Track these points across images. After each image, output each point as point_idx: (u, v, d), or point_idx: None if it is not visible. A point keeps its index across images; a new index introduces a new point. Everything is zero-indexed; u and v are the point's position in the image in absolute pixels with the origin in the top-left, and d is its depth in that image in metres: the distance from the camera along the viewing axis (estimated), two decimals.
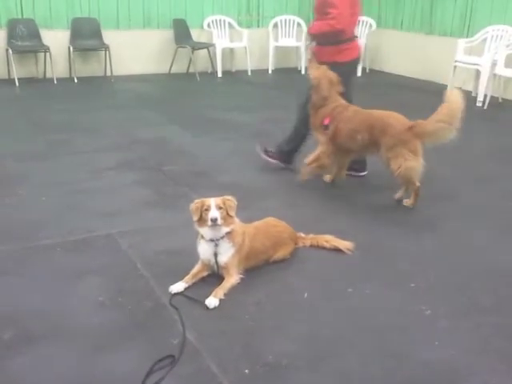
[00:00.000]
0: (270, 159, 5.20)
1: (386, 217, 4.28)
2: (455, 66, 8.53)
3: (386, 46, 10.82)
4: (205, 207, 3.13)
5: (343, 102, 4.68)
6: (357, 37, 5.07)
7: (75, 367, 2.55)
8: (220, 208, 3.12)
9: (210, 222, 3.09)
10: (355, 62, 5.05)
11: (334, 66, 4.69)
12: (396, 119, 4.38)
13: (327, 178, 4.89)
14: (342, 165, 4.81)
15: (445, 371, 2.60)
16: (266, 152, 5.23)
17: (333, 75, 4.64)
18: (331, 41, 4.75)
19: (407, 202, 4.43)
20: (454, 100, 4.15)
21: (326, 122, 4.60)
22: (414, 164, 4.26)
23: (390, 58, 10.79)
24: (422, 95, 8.86)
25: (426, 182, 4.44)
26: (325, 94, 4.61)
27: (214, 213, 3.09)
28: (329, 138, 4.61)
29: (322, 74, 4.65)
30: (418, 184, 4.36)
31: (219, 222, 3.09)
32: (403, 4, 10.40)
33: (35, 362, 2.57)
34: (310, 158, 4.75)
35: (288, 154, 5.16)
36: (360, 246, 3.69)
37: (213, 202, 3.13)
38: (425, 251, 3.74)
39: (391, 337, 2.83)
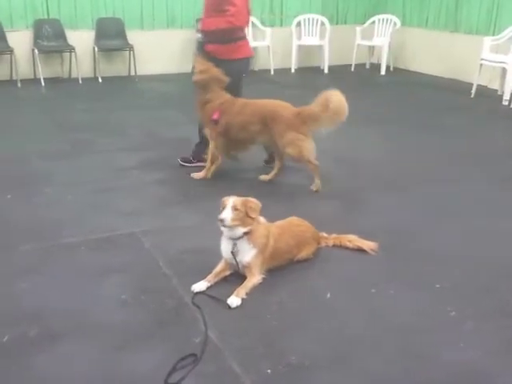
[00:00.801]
0: (193, 164, 5.18)
1: (410, 217, 4.23)
2: (481, 65, 8.39)
3: (410, 44, 10.71)
4: (222, 206, 3.14)
5: (229, 96, 4.78)
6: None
7: (98, 365, 2.57)
8: (236, 209, 3.11)
9: (218, 222, 3.11)
10: (249, 59, 5.13)
11: (228, 63, 4.76)
12: (284, 107, 4.70)
13: (265, 177, 4.92)
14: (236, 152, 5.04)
15: (469, 373, 2.56)
16: (185, 159, 5.24)
17: (218, 72, 4.70)
18: (227, 38, 4.76)
19: (314, 187, 4.65)
20: (336, 93, 4.49)
21: (215, 117, 4.71)
22: (306, 144, 4.59)
23: (414, 57, 10.67)
24: (447, 94, 8.76)
25: (449, 181, 4.39)
26: (210, 90, 4.71)
27: (223, 213, 3.10)
28: (219, 132, 4.75)
29: (207, 71, 4.69)
30: (315, 162, 4.64)
31: (227, 222, 3.09)
32: (428, 1, 10.28)
33: (58, 360, 2.60)
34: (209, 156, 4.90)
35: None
36: (384, 247, 3.65)
37: (230, 202, 3.13)
38: (450, 251, 3.69)
39: (415, 338, 2.79)
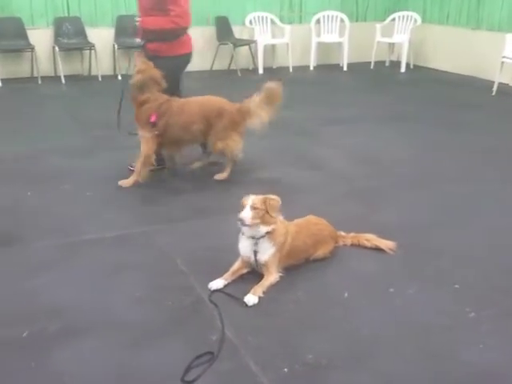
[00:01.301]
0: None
1: (429, 216, 4.19)
2: (503, 62, 8.27)
3: (430, 41, 10.60)
4: (242, 205, 3.13)
5: (166, 97, 4.65)
6: None
7: (114, 362, 2.58)
8: (255, 208, 3.10)
9: (238, 221, 3.09)
10: (190, 54, 5.04)
11: (170, 59, 4.71)
12: (228, 103, 4.75)
13: (195, 165, 5.02)
14: (173, 155, 5.00)
15: (488, 374, 2.53)
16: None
17: (156, 73, 4.59)
18: (170, 37, 4.70)
19: (220, 175, 4.76)
20: (273, 86, 4.66)
21: (153, 119, 4.56)
22: (239, 141, 4.73)
23: (435, 54, 10.56)
24: (468, 92, 8.67)
25: (470, 180, 4.33)
26: (147, 90, 4.58)
27: (243, 213, 3.08)
28: (157, 134, 4.61)
29: (145, 71, 4.59)
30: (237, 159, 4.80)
31: (246, 222, 3.08)
32: None
33: (76, 356, 2.62)
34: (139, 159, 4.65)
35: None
36: (402, 246, 3.62)
37: (250, 201, 3.11)
38: (470, 251, 3.65)
39: (434, 338, 2.77)
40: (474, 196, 4.53)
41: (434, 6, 10.55)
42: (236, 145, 4.72)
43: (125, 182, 4.65)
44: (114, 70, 9.51)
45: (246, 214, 3.08)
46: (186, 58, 4.98)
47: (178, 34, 4.75)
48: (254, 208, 3.10)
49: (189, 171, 4.99)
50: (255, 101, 4.69)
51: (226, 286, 3.16)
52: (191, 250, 3.61)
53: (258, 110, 4.67)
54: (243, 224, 3.09)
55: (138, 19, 4.77)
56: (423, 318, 2.94)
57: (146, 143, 4.65)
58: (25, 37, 8.84)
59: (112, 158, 5.44)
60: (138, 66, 4.69)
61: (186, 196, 4.52)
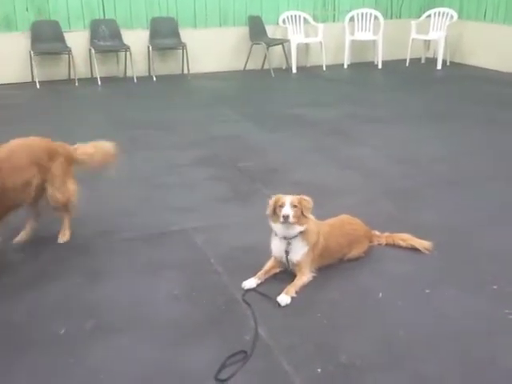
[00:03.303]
0: None
1: (467, 215, 4.11)
2: None
3: (467, 37, 10.40)
4: (279, 203, 3.12)
5: None
6: None
7: (149, 360, 2.60)
8: (294, 206, 3.09)
9: (281, 219, 3.08)
10: None
11: None
12: (58, 144, 3.72)
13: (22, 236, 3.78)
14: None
15: None
16: None
17: None
18: None
19: (63, 237, 3.77)
20: (105, 145, 3.91)
21: None
22: (74, 188, 3.77)
23: (472, 51, 10.36)
24: (508, 89, 8.47)
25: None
26: None
27: (286, 210, 3.07)
28: None
29: None
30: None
31: (291, 219, 3.07)
32: None
33: (112, 353, 2.65)
34: None
35: None
36: (440, 246, 3.56)
37: (288, 199, 3.11)
38: (509, 252, 3.56)
39: (472, 341, 2.71)
40: None
41: (470, 3, 10.34)
42: (75, 193, 3.77)
43: None
44: (149, 72, 9.61)
45: (289, 211, 3.06)
46: None
47: None
48: (293, 206, 3.09)
49: (17, 246, 3.71)
50: (84, 149, 3.85)
51: (259, 285, 3.15)
52: (225, 248, 3.62)
53: (86, 158, 3.86)
54: (287, 221, 3.07)
55: None
56: (460, 319, 2.88)
57: None
58: (62, 39, 9.01)
59: (146, 157, 5.50)
60: None
61: (224, 195, 4.54)
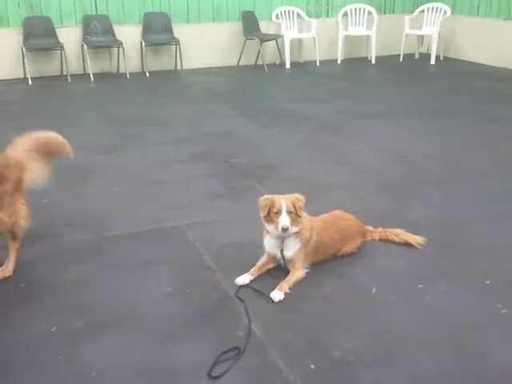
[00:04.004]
0: None
1: (460, 211, 4.11)
2: None
3: (461, 32, 10.41)
4: (275, 209, 3.06)
5: None
6: None
7: (142, 356, 2.59)
8: (290, 212, 3.05)
9: (280, 231, 3.04)
10: None
11: None
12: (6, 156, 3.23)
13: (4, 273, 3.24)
14: None
15: None
16: None
17: None
18: None
19: (6, 271, 3.21)
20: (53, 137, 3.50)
21: None
22: (24, 210, 3.27)
23: (465, 46, 10.37)
24: (501, 84, 8.49)
25: (503, 176, 4.22)
26: None
27: (285, 221, 3.02)
28: None
29: None
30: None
31: (290, 230, 3.04)
32: None
33: (103, 350, 2.64)
34: None
35: None
36: (433, 241, 3.56)
37: (284, 205, 3.04)
38: (501, 247, 3.56)
39: (465, 336, 2.71)
40: (507, 192, 4.42)
41: None
42: (24, 214, 3.27)
43: None
44: (142, 67, 9.58)
45: (287, 222, 3.03)
46: None
47: None
48: (289, 212, 3.06)
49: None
50: (24, 150, 3.35)
51: (252, 281, 3.14)
52: (219, 245, 3.60)
53: (32, 163, 3.35)
54: (287, 233, 3.05)
55: None
56: (453, 314, 2.88)
57: None
58: (54, 35, 8.96)
59: (139, 153, 5.48)
60: None
61: (217, 191, 4.53)
